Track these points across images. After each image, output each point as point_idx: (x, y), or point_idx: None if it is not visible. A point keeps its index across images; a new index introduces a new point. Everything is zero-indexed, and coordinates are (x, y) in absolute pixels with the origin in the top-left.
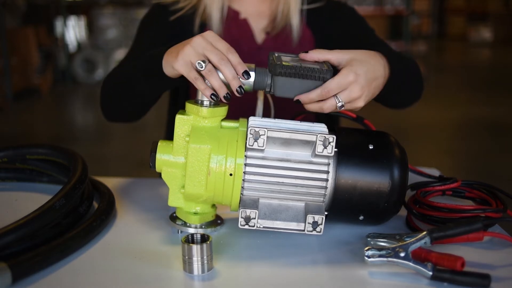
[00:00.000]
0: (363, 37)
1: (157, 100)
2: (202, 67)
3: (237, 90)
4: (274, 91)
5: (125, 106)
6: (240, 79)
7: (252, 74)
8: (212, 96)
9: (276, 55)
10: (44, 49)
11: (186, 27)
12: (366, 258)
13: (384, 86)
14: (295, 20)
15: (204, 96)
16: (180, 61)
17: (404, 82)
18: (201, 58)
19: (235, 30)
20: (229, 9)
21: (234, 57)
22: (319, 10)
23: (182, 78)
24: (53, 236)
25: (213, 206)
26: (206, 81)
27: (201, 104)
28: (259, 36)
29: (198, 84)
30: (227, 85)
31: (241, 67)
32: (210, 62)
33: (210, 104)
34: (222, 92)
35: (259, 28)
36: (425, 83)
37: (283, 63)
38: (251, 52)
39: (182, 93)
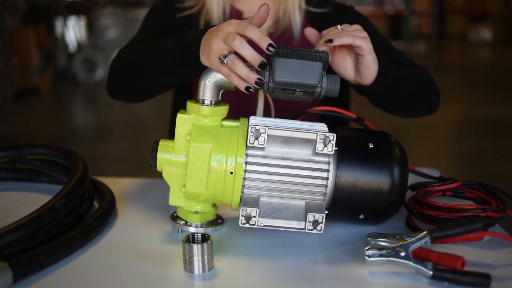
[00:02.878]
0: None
1: (182, 82)
2: (224, 62)
3: (259, 65)
4: (273, 76)
5: (141, 85)
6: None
7: None
8: (248, 89)
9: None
10: (44, 49)
11: (193, 26)
12: (366, 257)
13: (376, 88)
14: (297, 19)
15: (240, 89)
16: (213, 58)
17: (397, 90)
18: (224, 52)
19: None
20: (233, 9)
21: (253, 33)
22: (326, 15)
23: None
24: (54, 236)
25: (214, 205)
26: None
27: (202, 103)
28: None
29: (232, 78)
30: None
31: (264, 41)
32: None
33: (211, 104)
34: (251, 79)
35: (262, 28)
36: (439, 98)
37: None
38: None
39: (186, 91)
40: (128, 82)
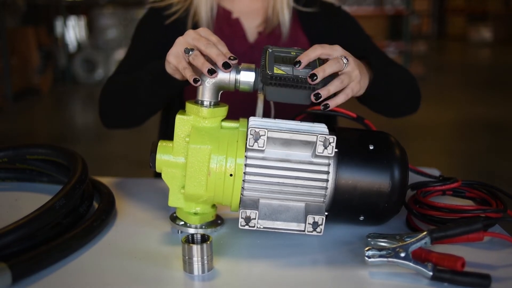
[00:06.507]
0: (359, 45)
1: (163, 106)
2: (189, 53)
3: (223, 65)
4: (265, 95)
5: (130, 113)
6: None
7: (252, 74)
8: (195, 79)
9: (270, 50)
10: (44, 49)
11: (180, 30)
12: (366, 258)
13: (366, 91)
14: (285, 18)
15: (190, 82)
16: (172, 52)
17: (389, 94)
18: (190, 47)
19: (227, 30)
20: (221, 9)
21: (223, 48)
22: (314, 15)
23: (186, 81)
24: (53, 236)
25: (213, 206)
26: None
27: (201, 104)
28: (252, 35)
29: (186, 73)
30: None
31: (229, 55)
32: (199, 50)
33: (210, 105)
34: (205, 68)
35: (251, 27)
36: (420, 98)
37: (275, 71)
38: (243, 51)
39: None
40: (116, 111)
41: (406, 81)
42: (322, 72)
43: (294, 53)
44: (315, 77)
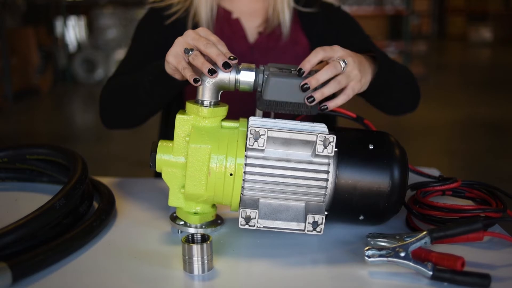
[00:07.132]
0: (359, 45)
1: (162, 106)
2: (188, 53)
3: (223, 65)
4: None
5: (130, 113)
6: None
7: (252, 74)
8: (195, 79)
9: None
10: (44, 49)
11: (180, 30)
12: (366, 258)
13: (370, 86)
14: (286, 18)
15: (190, 82)
16: (172, 52)
17: (392, 89)
18: (190, 47)
19: (227, 30)
20: (222, 9)
21: (223, 48)
22: (314, 15)
23: (186, 81)
24: (53, 236)
25: (213, 206)
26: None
27: (201, 104)
28: (252, 36)
29: (186, 73)
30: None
31: (229, 55)
32: (198, 50)
33: (210, 104)
34: (205, 68)
35: (251, 27)
36: (420, 97)
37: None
38: (243, 51)
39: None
40: (117, 111)
41: (408, 77)
42: (315, 81)
43: (294, 70)
44: (306, 86)
